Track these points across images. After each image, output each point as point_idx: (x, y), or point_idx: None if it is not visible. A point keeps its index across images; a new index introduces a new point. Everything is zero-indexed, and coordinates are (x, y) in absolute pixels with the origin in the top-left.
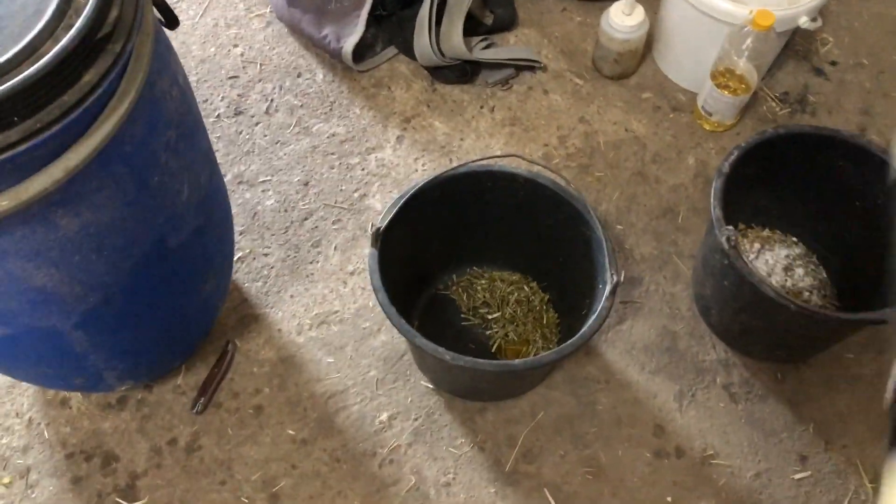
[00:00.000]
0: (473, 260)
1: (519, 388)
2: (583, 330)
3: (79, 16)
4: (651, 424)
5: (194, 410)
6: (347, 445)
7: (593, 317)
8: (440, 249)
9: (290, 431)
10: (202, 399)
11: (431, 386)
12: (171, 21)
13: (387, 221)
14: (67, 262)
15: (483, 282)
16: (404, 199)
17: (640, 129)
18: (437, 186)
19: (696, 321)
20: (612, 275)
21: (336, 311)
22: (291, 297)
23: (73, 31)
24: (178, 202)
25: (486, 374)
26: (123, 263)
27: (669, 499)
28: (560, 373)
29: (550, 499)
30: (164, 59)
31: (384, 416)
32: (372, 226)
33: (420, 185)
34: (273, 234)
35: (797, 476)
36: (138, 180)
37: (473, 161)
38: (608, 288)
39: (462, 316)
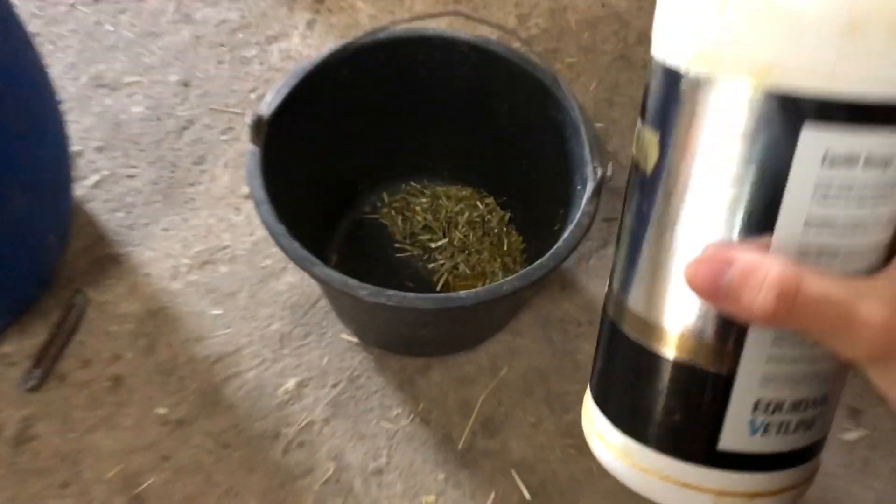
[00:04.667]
0: (409, 172)
1: (473, 335)
2: (556, 246)
3: None
4: None
5: (27, 387)
6: (240, 426)
7: (570, 227)
8: (363, 158)
9: (161, 410)
10: (38, 370)
11: (355, 340)
12: None
13: (275, 107)
14: None
15: (423, 200)
16: (301, 77)
17: (620, 4)
18: (348, 61)
19: None
20: (594, 168)
21: (225, 247)
22: (165, 230)
23: None
24: None
25: (422, 315)
26: None
27: None
28: (528, 313)
29: (521, 484)
30: None
31: (291, 384)
32: (254, 114)
33: (324, 58)
34: (142, 150)
35: (849, 436)
36: None
37: (399, 22)
38: (590, 186)
39: (397, 246)
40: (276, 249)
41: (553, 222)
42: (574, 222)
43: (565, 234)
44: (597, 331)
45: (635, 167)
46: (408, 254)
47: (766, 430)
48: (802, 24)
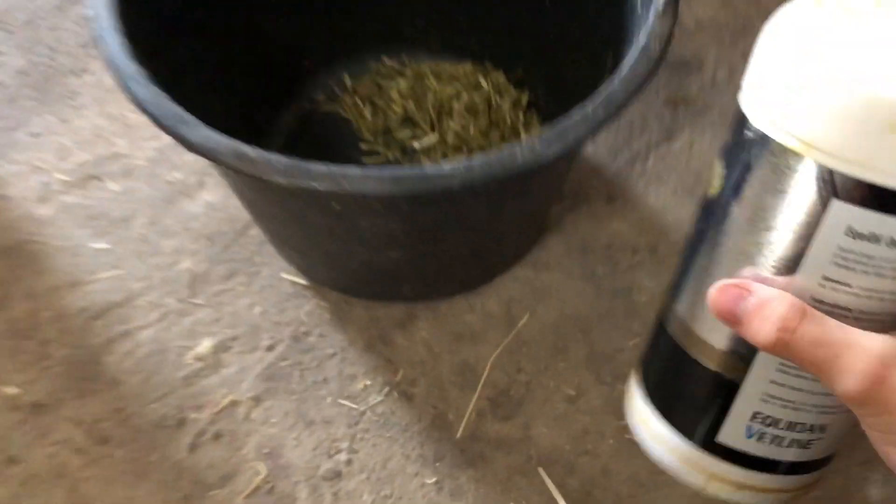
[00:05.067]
0: (380, 43)
1: (475, 264)
2: (610, 84)
3: None
4: None
5: None
6: (126, 410)
7: (632, 56)
8: (309, 20)
9: (10, 390)
10: None
11: (302, 280)
12: None
13: None
14: None
15: (402, 82)
16: None
17: None
18: None
19: None
20: None
21: (118, 156)
22: (35, 136)
23: None
24: None
25: (379, 213)
26: None
27: None
28: (558, 236)
29: (553, 489)
30: None
31: (205, 347)
32: None
33: None
34: (10, 32)
35: None
36: None
37: None
38: (655, 5)
39: (364, 147)
40: (190, 157)
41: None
42: (639, 48)
43: (623, 69)
44: (662, 259)
45: (706, 185)
46: (380, 158)
47: (760, 437)
48: (844, 117)
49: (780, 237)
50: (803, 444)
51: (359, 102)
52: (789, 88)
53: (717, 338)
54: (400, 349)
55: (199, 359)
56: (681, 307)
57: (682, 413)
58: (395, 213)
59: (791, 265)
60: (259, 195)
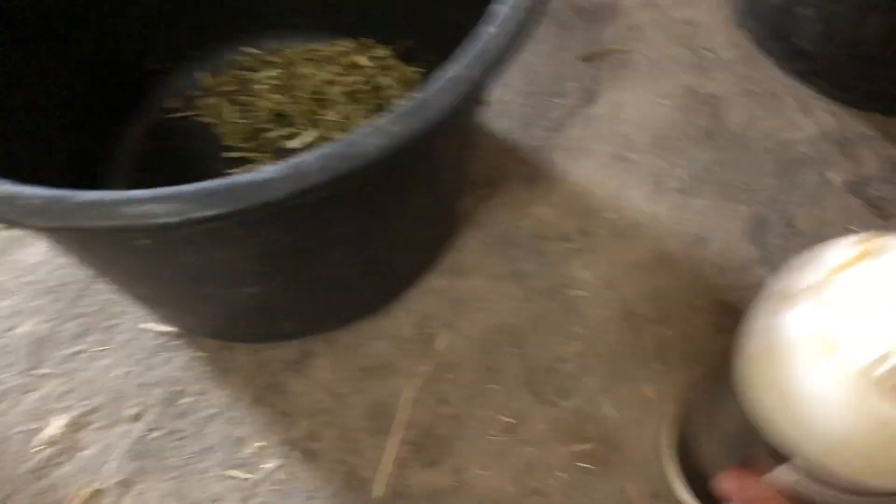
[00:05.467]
0: (238, 32)
1: (367, 283)
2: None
3: None
4: (711, 302)
5: None
6: None
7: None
8: (152, 13)
9: None
10: None
11: (170, 329)
12: None
13: None
14: None
15: (270, 74)
16: None
17: None
18: None
19: (755, 64)
20: None
21: None
22: None
23: None
24: None
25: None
26: None
27: None
28: (473, 231)
29: None
30: None
31: (55, 428)
32: None
33: None
34: None
35: None
36: None
37: None
38: None
39: (230, 156)
40: None
41: None
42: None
43: (495, 20)
44: (598, 243)
45: None
46: (251, 166)
47: None
48: (800, 432)
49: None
50: None
51: (220, 103)
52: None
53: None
54: (296, 397)
55: (49, 443)
56: (695, 429)
57: (695, 491)
58: (222, 242)
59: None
60: (58, 241)
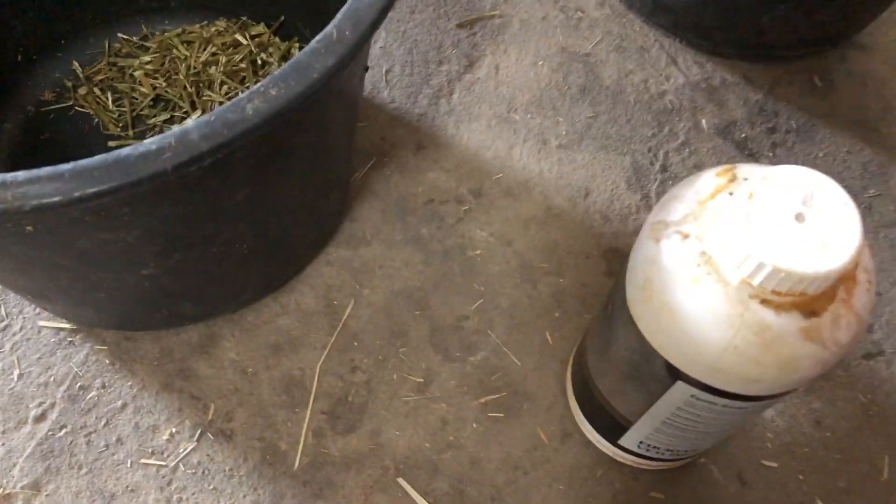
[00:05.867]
0: (108, 18)
1: (267, 253)
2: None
3: None
4: (601, 249)
5: None
6: None
7: None
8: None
9: None
10: None
11: (67, 325)
12: None
13: None
14: None
15: (146, 59)
16: None
17: None
18: None
19: (624, 21)
20: None
21: None
22: None
23: None
24: None
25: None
26: None
27: None
28: (368, 201)
29: (421, 500)
30: None
31: None
32: None
33: None
34: None
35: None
36: None
37: None
38: None
39: (113, 144)
40: None
41: None
42: None
43: None
44: (491, 203)
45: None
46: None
47: (647, 449)
48: (690, 347)
49: (643, 381)
50: (679, 456)
51: (97, 92)
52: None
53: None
54: (205, 380)
55: None
56: (592, 367)
57: (606, 426)
58: (108, 223)
59: (647, 403)
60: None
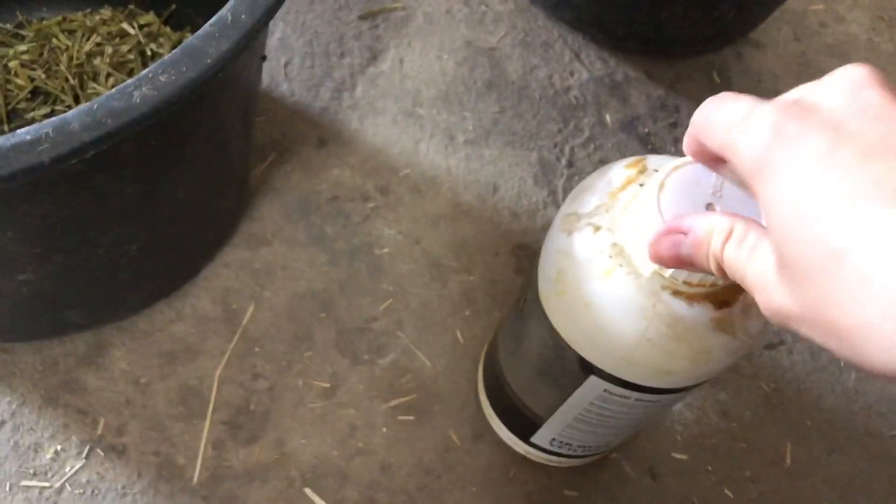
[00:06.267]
0: None
1: (157, 254)
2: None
3: None
4: (509, 246)
5: None
6: None
7: None
8: None
9: None
10: None
11: None
12: None
13: None
14: None
15: (22, 49)
16: None
17: None
18: None
19: (528, 16)
20: None
21: None
22: None
23: None
24: None
25: None
26: None
27: None
28: (269, 199)
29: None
30: None
31: None
32: None
33: None
34: None
35: None
36: None
37: None
38: None
39: None
40: None
41: None
42: None
43: None
44: (398, 200)
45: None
46: None
47: (559, 446)
48: (603, 340)
49: (556, 375)
50: (591, 452)
51: None
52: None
53: (529, 400)
54: (94, 393)
55: None
56: (504, 364)
57: (517, 423)
58: None
59: (562, 397)
60: None
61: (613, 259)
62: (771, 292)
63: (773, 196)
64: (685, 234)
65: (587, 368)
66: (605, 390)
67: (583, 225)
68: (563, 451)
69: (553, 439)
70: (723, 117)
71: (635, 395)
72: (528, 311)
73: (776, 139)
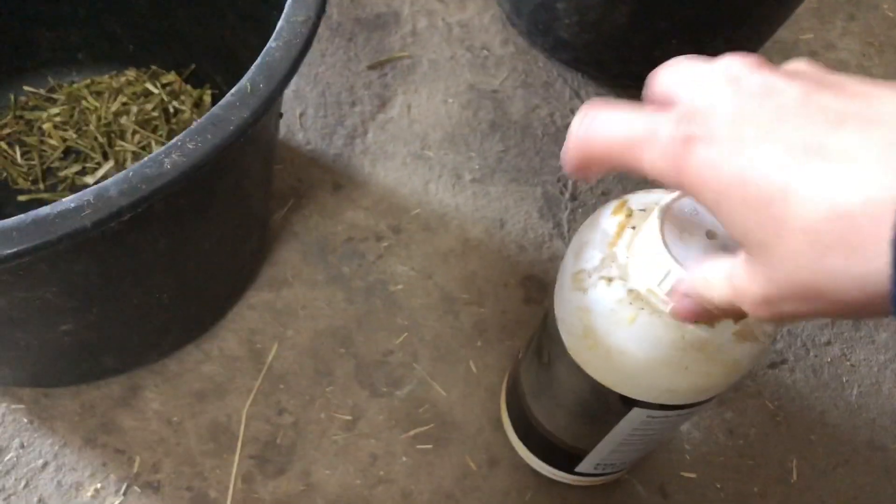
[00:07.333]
0: (12, 68)
1: (187, 301)
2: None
3: None
4: (518, 277)
5: None
6: None
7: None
8: None
9: None
10: None
11: None
12: None
13: None
14: None
15: (54, 112)
16: None
17: None
18: None
19: (528, 58)
20: None
21: None
22: None
23: None
24: None
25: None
26: None
27: None
28: (288, 242)
29: None
30: None
31: None
32: None
33: None
34: None
35: None
36: None
37: None
38: None
39: (23, 199)
40: None
41: None
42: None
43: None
44: (410, 238)
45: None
46: (44, 199)
47: (604, 468)
48: (645, 379)
49: (599, 414)
50: (623, 468)
51: (4, 146)
52: (601, 355)
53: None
54: (129, 433)
55: None
56: (535, 410)
57: (559, 457)
58: (26, 281)
59: (607, 426)
60: None
61: (634, 305)
62: (752, 291)
63: (701, 183)
64: (690, 295)
65: (629, 403)
66: (648, 416)
67: (595, 280)
68: (608, 471)
69: (597, 464)
70: (616, 131)
71: (676, 412)
72: (556, 364)
73: (685, 144)
